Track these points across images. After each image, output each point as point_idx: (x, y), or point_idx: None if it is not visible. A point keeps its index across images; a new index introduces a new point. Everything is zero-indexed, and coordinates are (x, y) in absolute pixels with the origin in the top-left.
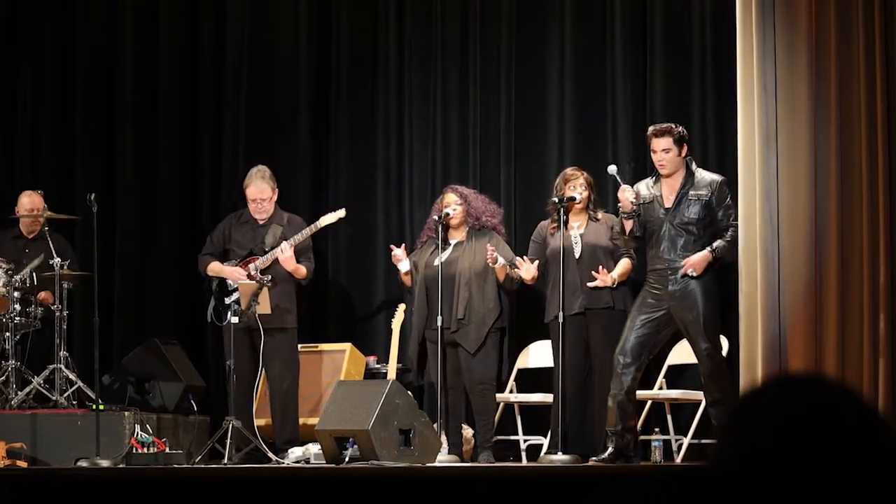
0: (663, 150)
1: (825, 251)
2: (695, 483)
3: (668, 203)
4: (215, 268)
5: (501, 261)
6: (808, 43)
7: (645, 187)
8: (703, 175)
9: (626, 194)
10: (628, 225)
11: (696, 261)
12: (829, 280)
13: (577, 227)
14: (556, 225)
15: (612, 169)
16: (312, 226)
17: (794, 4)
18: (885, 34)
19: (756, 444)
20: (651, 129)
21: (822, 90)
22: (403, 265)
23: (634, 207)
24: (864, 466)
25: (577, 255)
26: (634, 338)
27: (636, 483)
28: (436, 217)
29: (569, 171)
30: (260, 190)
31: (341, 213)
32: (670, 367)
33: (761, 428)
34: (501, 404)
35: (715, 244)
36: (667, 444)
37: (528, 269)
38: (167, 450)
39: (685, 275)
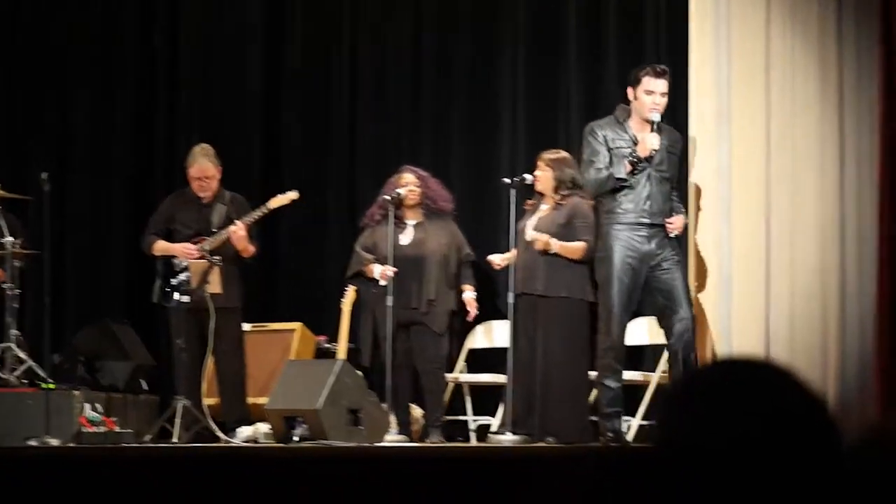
0: (662, 93)
1: (776, 233)
2: (641, 464)
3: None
4: (162, 247)
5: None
6: (763, 41)
7: (612, 132)
8: (670, 128)
9: (654, 142)
10: (628, 168)
11: (680, 225)
12: (782, 266)
13: (544, 209)
14: (531, 201)
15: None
16: (263, 207)
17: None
18: (839, 10)
19: (700, 425)
20: (650, 67)
21: (776, 73)
22: (377, 270)
23: (648, 156)
24: (805, 450)
25: (527, 237)
26: (624, 332)
27: (587, 464)
28: (388, 196)
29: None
30: (204, 168)
31: (293, 194)
32: None
33: (705, 409)
34: (450, 384)
35: (680, 207)
36: None
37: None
38: (117, 429)
39: (667, 235)
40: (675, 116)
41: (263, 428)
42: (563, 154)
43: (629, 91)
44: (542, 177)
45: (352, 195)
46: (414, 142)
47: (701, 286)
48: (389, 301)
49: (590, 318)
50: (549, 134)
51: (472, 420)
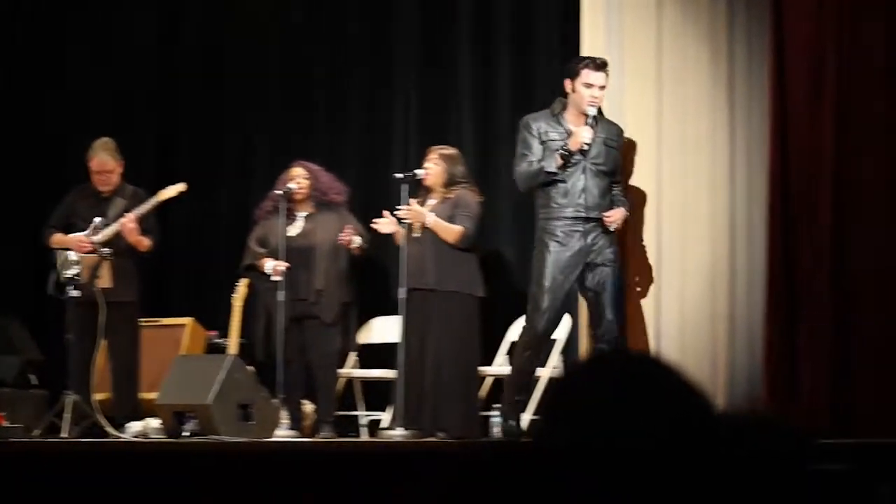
0: (601, 86)
1: (668, 235)
2: (521, 460)
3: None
4: (58, 239)
5: (358, 241)
6: (655, 37)
7: (546, 125)
8: (610, 121)
9: (586, 136)
10: (559, 161)
11: (619, 217)
12: (673, 270)
13: (432, 203)
14: (417, 199)
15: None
16: (152, 199)
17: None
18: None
19: (580, 421)
20: (588, 60)
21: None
22: (269, 266)
23: (579, 150)
24: (688, 448)
25: (414, 233)
26: (550, 329)
27: (476, 459)
28: (280, 191)
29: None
30: (103, 162)
31: (181, 186)
32: (513, 344)
33: (585, 405)
34: (342, 379)
35: (623, 201)
36: None
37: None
38: (5, 424)
39: (606, 229)
40: None
41: (153, 423)
42: (455, 150)
43: (567, 83)
44: (434, 170)
45: (245, 190)
46: (308, 139)
47: (644, 292)
48: (281, 296)
49: (479, 313)
50: (440, 131)
51: (364, 415)
